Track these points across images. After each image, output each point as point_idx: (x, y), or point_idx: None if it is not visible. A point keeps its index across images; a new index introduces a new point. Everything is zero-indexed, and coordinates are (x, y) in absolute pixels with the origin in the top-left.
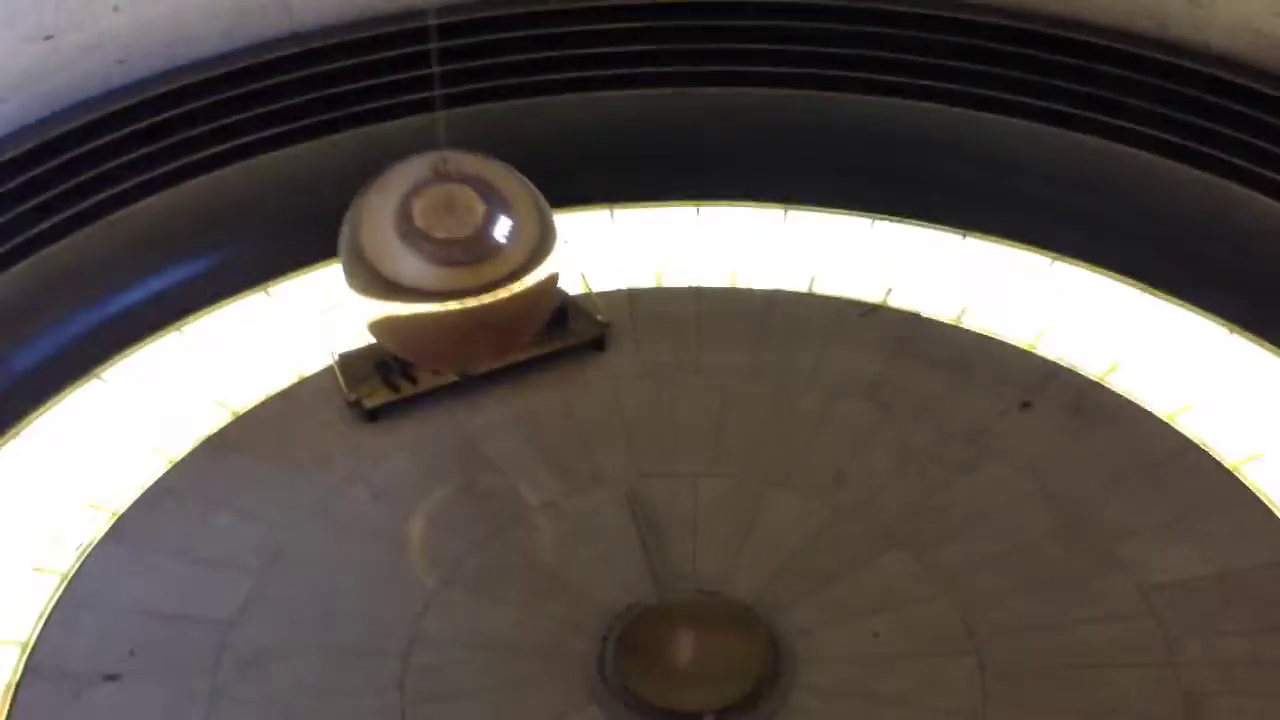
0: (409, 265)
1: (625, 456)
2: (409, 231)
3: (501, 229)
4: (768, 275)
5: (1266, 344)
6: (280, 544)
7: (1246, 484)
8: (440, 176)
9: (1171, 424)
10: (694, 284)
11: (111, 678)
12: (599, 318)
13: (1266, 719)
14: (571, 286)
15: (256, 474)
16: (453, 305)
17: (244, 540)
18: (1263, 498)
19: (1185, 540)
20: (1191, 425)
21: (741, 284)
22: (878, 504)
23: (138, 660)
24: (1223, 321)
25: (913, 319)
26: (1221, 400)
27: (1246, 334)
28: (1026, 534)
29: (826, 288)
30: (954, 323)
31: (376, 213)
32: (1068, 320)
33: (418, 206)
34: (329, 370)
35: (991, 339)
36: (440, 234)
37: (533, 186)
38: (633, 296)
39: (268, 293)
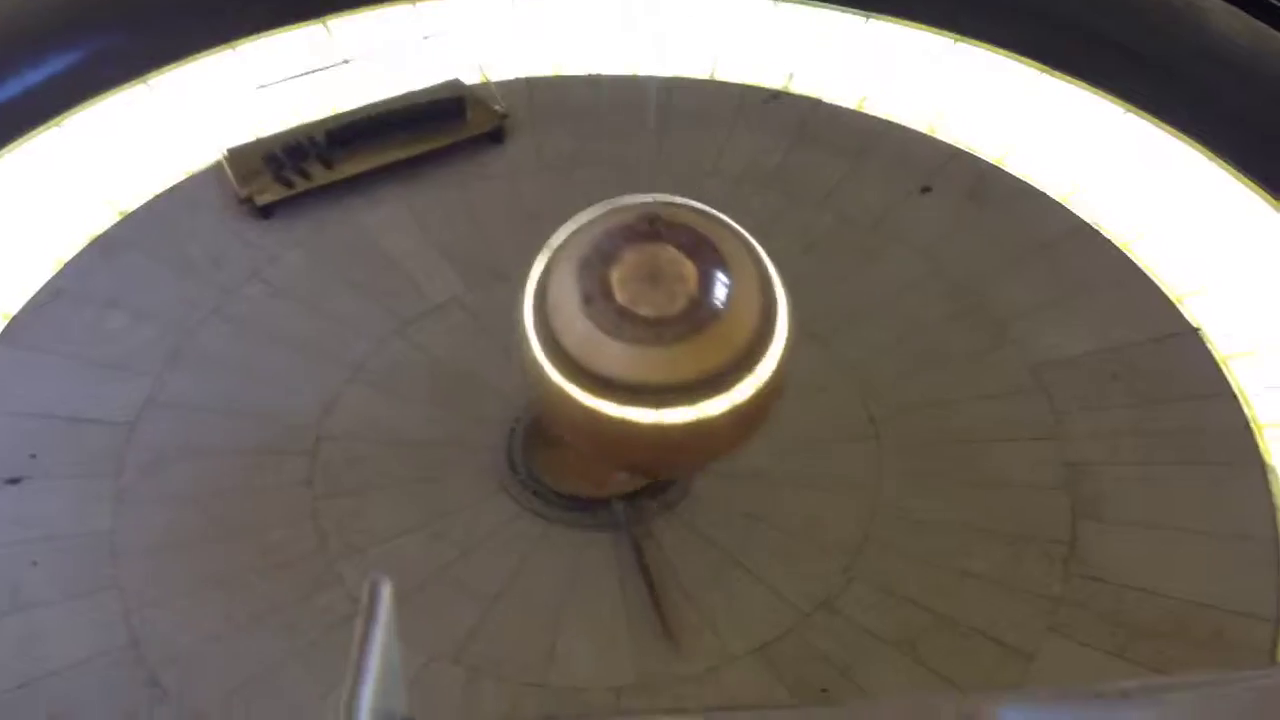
0: (602, 349)
1: (527, 251)
2: (605, 307)
3: (719, 303)
4: (668, 62)
5: (1160, 123)
6: (178, 344)
7: (1136, 262)
8: (649, 234)
9: (1066, 205)
10: (593, 71)
11: (14, 481)
12: (496, 108)
13: (1144, 485)
14: (468, 76)
15: (149, 273)
16: (646, 413)
17: (140, 341)
18: (1151, 274)
19: (1075, 318)
20: (1085, 205)
21: (641, 71)
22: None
23: (40, 463)
24: (1119, 101)
25: (815, 105)
26: (1115, 180)
27: (1142, 113)
28: (925, 317)
29: (728, 74)
30: (856, 108)
31: (566, 277)
32: (967, 103)
33: (618, 274)
34: (218, 166)
35: (892, 124)
36: (645, 310)
37: (753, 242)
38: (530, 85)
39: (147, 84)
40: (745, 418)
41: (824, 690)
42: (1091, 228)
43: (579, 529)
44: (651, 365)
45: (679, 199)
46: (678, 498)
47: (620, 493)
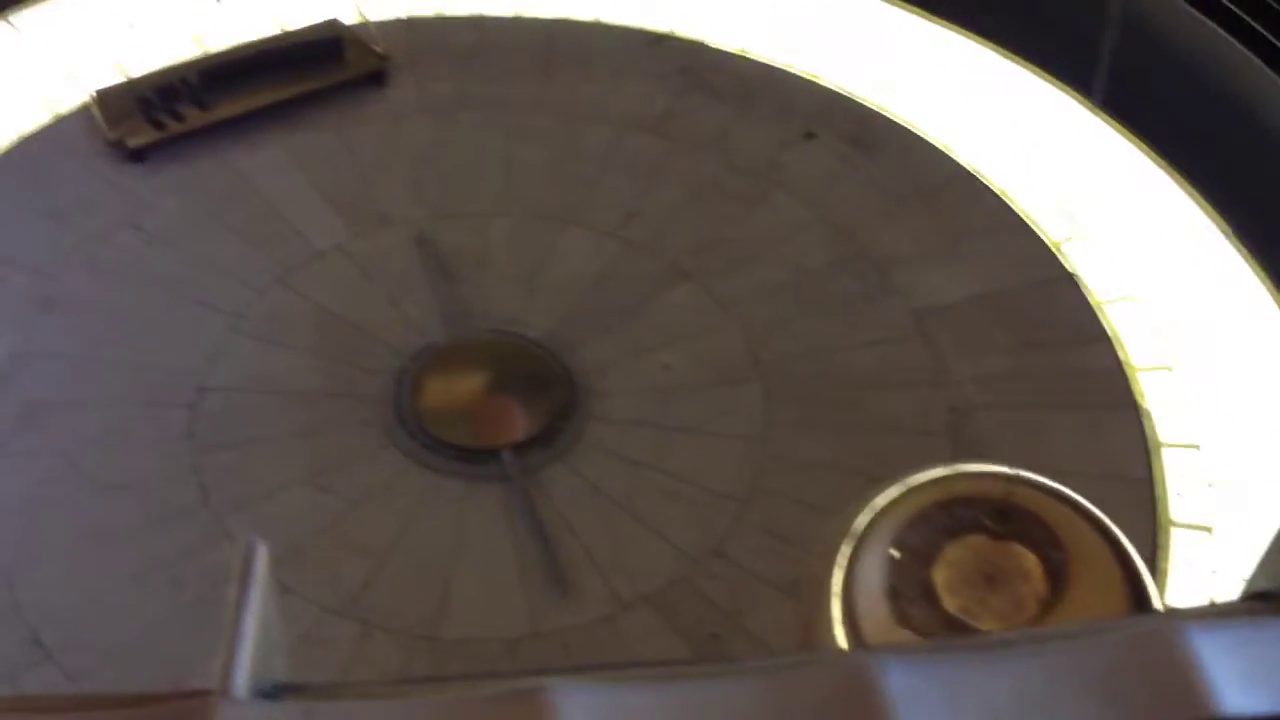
0: None
1: (411, 196)
2: (930, 617)
3: (1073, 599)
4: (552, 2)
5: (1039, 71)
6: (49, 293)
7: (1014, 208)
8: (972, 524)
9: (947, 152)
10: (475, 12)
11: None
12: (376, 49)
13: (1024, 427)
14: (346, 16)
15: (16, 220)
16: None
17: (9, 291)
18: (1028, 220)
19: (956, 264)
20: (965, 152)
21: (525, 12)
22: (666, 238)
23: None
24: (999, 49)
25: (699, 49)
26: (995, 127)
27: (1022, 61)
28: (808, 263)
29: (612, 17)
30: (740, 53)
31: (873, 574)
32: (850, 48)
33: (942, 577)
34: (86, 108)
35: (776, 69)
36: (986, 622)
37: (1113, 527)
38: (411, 25)
39: (9, 22)
40: None
41: (714, 635)
42: (971, 174)
43: (468, 480)
44: None
45: (1022, 472)
46: (567, 447)
47: (509, 442)
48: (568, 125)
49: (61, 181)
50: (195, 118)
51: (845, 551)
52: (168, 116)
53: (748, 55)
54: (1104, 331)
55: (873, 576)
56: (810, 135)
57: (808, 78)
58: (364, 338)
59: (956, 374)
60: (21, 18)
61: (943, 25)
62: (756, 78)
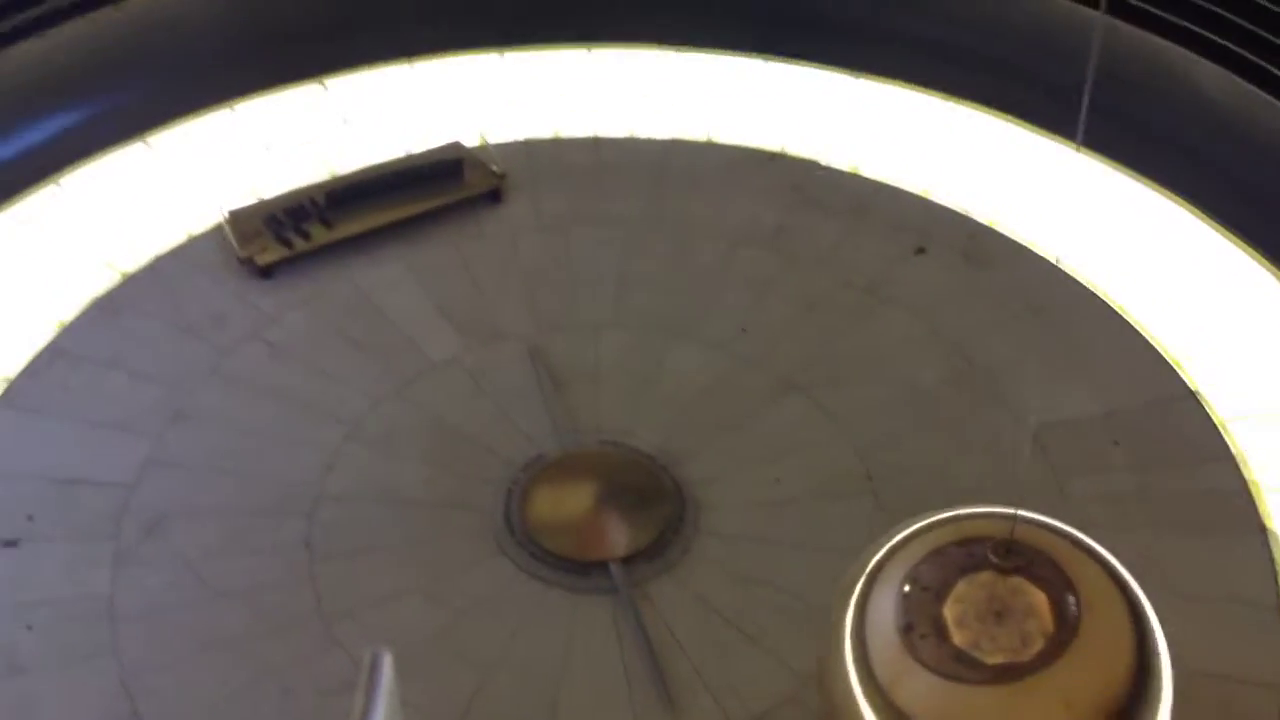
0: (941, 700)
1: (525, 310)
2: (939, 651)
3: (1083, 648)
4: (666, 124)
5: (1152, 183)
6: (178, 405)
7: (1132, 323)
8: (980, 561)
9: (1059, 266)
10: (591, 134)
11: (10, 544)
12: (494, 169)
13: (1145, 548)
14: (467, 138)
15: (150, 334)
16: None
17: (141, 402)
18: (1147, 336)
19: (1073, 380)
20: (1079, 267)
21: (639, 133)
22: (778, 352)
23: (37, 525)
24: (1109, 161)
25: (810, 167)
26: (1109, 243)
27: (1132, 173)
28: (920, 377)
29: (725, 136)
30: (851, 170)
31: (884, 615)
32: (960, 165)
33: (953, 612)
34: (219, 227)
35: (886, 185)
36: (990, 656)
37: (1121, 570)
38: (529, 147)
39: (147, 144)
40: None
41: None
42: (1087, 290)
43: (576, 592)
44: (995, 712)
45: (1029, 514)
46: (675, 560)
47: (617, 555)
48: (680, 241)
49: (193, 297)
50: (321, 236)
51: (859, 588)
52: (295, 235)
53: (858, 173)
54: (1227, 450)
55: (886, 612)
56: (921, 251)
57: (918, 194)
58: (476, 449)
59: (1074, 492)
60: (157, 138)
61: (1055, 140)
62: (867, 194)
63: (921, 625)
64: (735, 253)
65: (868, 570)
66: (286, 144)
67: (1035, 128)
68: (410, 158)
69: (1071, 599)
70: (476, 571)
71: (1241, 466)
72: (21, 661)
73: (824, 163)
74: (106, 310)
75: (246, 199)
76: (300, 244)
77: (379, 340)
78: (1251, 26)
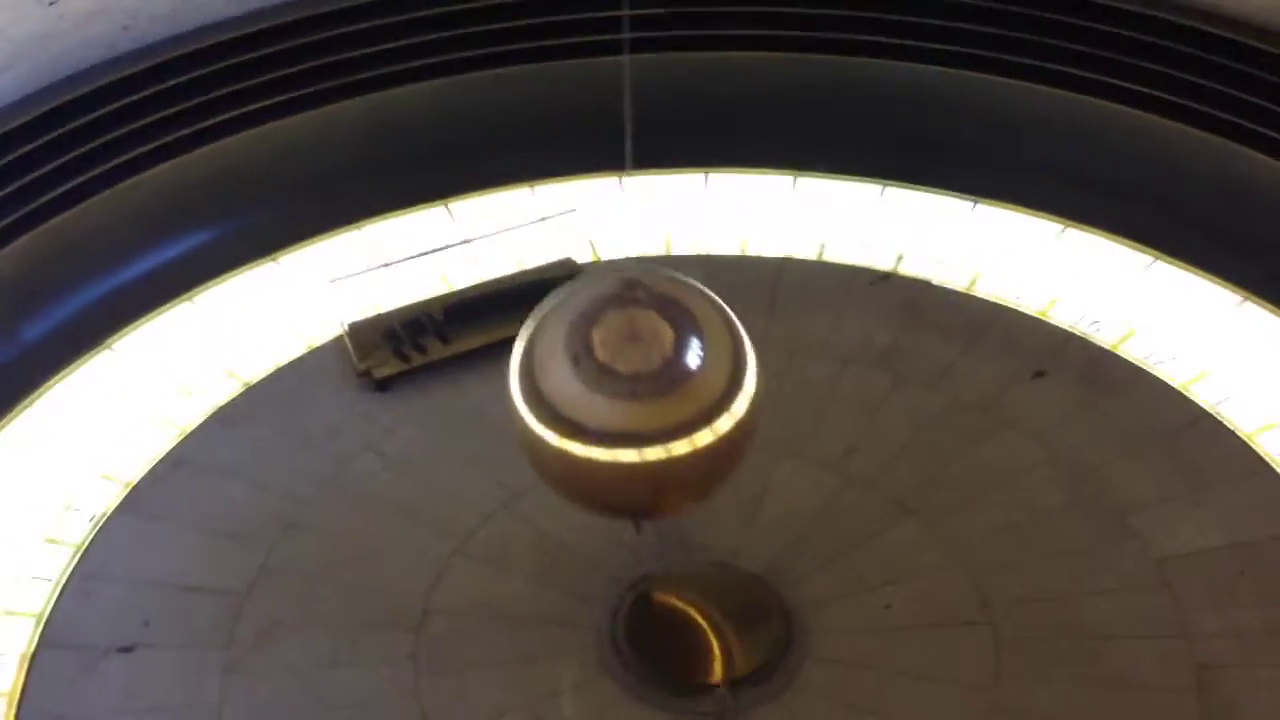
0: (586, 401)
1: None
2: (588, 363)
3: (692, 362)
4: (777, 243)
5: (1278, 310)
6: (293, 515)
7: (1261, 454)
8: (625, 301)
9: (1185, 393)
10: (702, 252)
11: (126, 649)
12: None
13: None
14: (580, 255)
15: (268, 444)
16: (630, 454)
17: (257, 511)
18: (1277, 468)
19: (1199, 511)
20: (1206, 394)
21: (751, 252)
22: (890, 474)
23: (152, 631)
24: (1235, 288)
25: (924, 287)
26: (1235, 369)
27: (1259, 300)
28: (1039, 504)
29: (836, 255)
30: (966, 290)
31: (553, 337)
32: (1080, 287)
33: (598, 335)
34: (339, 340)
35: (1004, 306)
36: (623, 367)
37: (729, 313)
38: (640, 263)
39: (276, 261)
40: (715, 461)
41: None
42: (1213, 417)
43: (681, 715)
44: (630, 416)
45: (659, 269)
46: (783, 686)
47: (723, 679)
48: (790, 360)
49: (312, 409)
50: (437, 350)
51: (530, 325)
52: (412, 349)
53: (974, 293)
54: None
55: (553, 340)
56: (1040, 374)
57: (1037, 315)
58: (584, 565)
59: (1203, 628)
60: (288, 257)
61: (1173, 264)
62: (983, 315)
63: (575, 346)
64: (846, 371)
65: (542, 309)
66: (408, 262)
67: (1155, 252)
68: (524, 273)
69: (689, 328)
70: (582, 691)
71: None
72: None
73: (937, 282)
74: (227, 420)
75: (366, 314)
76: (417, 358)
77: (490, 455)
78: None
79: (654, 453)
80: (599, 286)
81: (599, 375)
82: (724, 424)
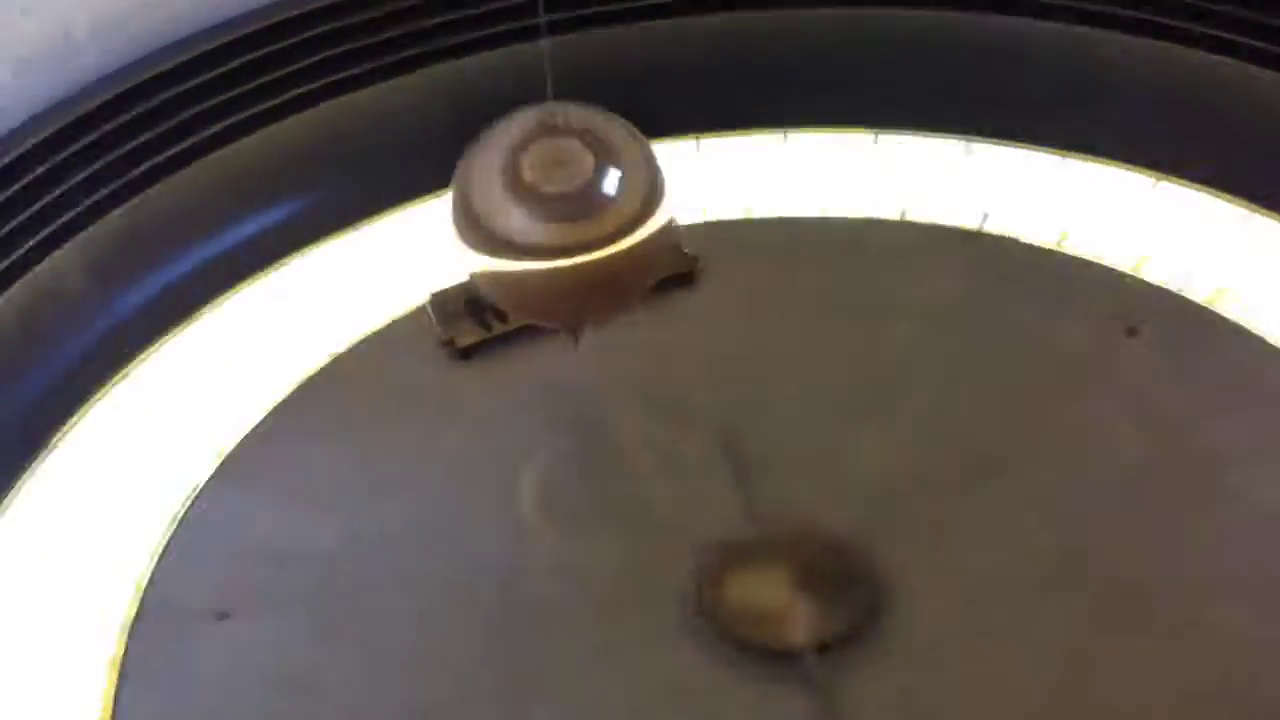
0: (518, 221)
1: (718, 392)
2: (518, 187)
3: (611, 182)
4: (859, 204)
5: None
6: (381, 481)
7: None
8: (549, 130)
9: None
10: (783, 214)
11: (223, 615)
12: (686, 252)
13: None
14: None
15: (356, 413)
16: (562, 262)
17: (346, 478)
18: None
19: None
20: None
21: (832, 214)
22: (978, 435)
23: (249, 597)
24: None
25: (1011, 244)
26: None
27: None
28: (1132, 464)
29: (920, 215)
30: (1055, 248)
31: (486, 167)
32: (1173, 243)
33: (526, 161)
34: (422, 309)
35: (1093, 264)
36: (549, 188)
37: (644, 139)
38: (721, 228)
39: (359, 231)
40: (633, 272)
41: None
42: None
43: (768, 682)
44: (556, 231)
45: (582, 105)
46: (873, 652)
47: (811, 644)
48: (876, 321)
49: (398, 377)
50: (519, 319)
51: (468, 154)
52: (494, 318)
53: (1063, 250)
54: None
55: (486, 167)
56: (1133, 331)
57: (1128, 272)
58: (668, 529)
59: None
60: (370, 226)
61: (1272, 216)
62: (1073, 272)
63: (505, 171)
64: (931, 332)
65: (477, 144)
66: None
67: (1251, 204)
68: None
69: (608, 154)
70: (665, 656)
71: None
72: None
73: (1025, 240)
74: (317, 389)
75: (450, 283)
76: (498, 326)
77: (571, 420)
78: None
79: (579, 263)
80: (525, 119)
81: (528, 197)
82: (639, 238)
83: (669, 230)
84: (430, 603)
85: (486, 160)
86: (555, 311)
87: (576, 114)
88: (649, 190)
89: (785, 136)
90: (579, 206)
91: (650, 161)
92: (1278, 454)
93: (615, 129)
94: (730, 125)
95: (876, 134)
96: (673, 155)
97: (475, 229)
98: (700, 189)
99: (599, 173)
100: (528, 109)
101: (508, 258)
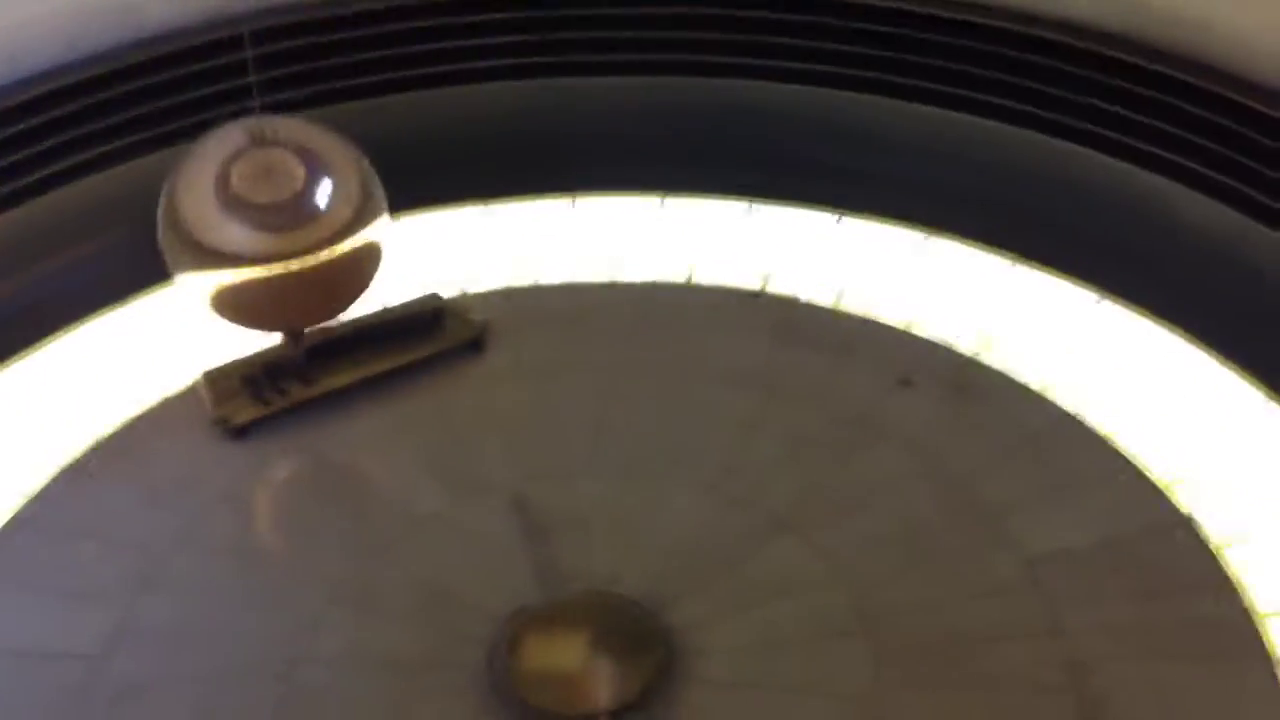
0: (230, 233)
1: (509, 459)
2: (228, 199)
3: (322, 192)
4: (646, 267)
5: (1134, 308)
6: (150, 572)
7: (1122, 452)
8: (258, 142)
9: (1046, 396)
10: (571, 279)
11: None
12: (475, 318)
13: (1153, 681)
14: (445, 289)
15: (122, 500)
16: (275, 269)
17: (111, 570)
18: (1138, 464)
19: (1067, 511)
20: (1066, 397)
21: (620, 278)
22: (767, 492)
23: (4, 703)
24: (1093, 287)
25: (793, 304)
26: (1094, 369)
27: (1116, 299)
28: (913, 513)
29: (706, 277)
30: (833, 306)
31: (195, 180)
32: (942, 297)
33: (236, 172)
34: (194, 387)
35: (870, 320)
36: (260, 199)
37: (355, 149)
38: (509, 295)
39: (130, 307)
40: (346, 277)
41: None
42: (1075, 419)
43: None
44: (266, 241)
45: (291, 118)
46: (664, 712)
47: (606, 708)
48: (663, 383)
49: (168, 460)
50: (299, 393)
51: (178, 165)
52: (273, 393)
53: (841, 308)
54: (1225, 577)
55: (199, 178)
56: (907, 383)
57: (901, 327)
58: (461, 604)
59: (1075, 625)
60: (140, 301)
61: (1033, 267)
62: (851, 329)
63: (219, 186)
64: (719, 392)
65: (186, 158)
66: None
67: (1016, 256)
68: (388, 310)
69: (318, 165)
70: None
71: (1240, 592)
72: None
73: (804, 299)
74: (77, 476)
75: (226, 359)
76: (277, 401)
77: (359, 497)
78: (1230, 153)
79: (292, 271)
80: (234, 131)
81: (239, 208)
82: (349, 245)
83: (378, 237)
84: (207, 697)
85: (195, 171)
86: (271, 316)
87: (286, 126)
88: (360, 198)
89: (574, 202)
90: (290, 217)
91: (361, 170)
92: (1046, 498)
93: (326, 140)
94: (518, 192)
95: (663, 197)
96: (457, 221)
97: (185, 242)
98: (488, 257)
99: (309, 183)
100: (236, 122)
101: (220, 269)
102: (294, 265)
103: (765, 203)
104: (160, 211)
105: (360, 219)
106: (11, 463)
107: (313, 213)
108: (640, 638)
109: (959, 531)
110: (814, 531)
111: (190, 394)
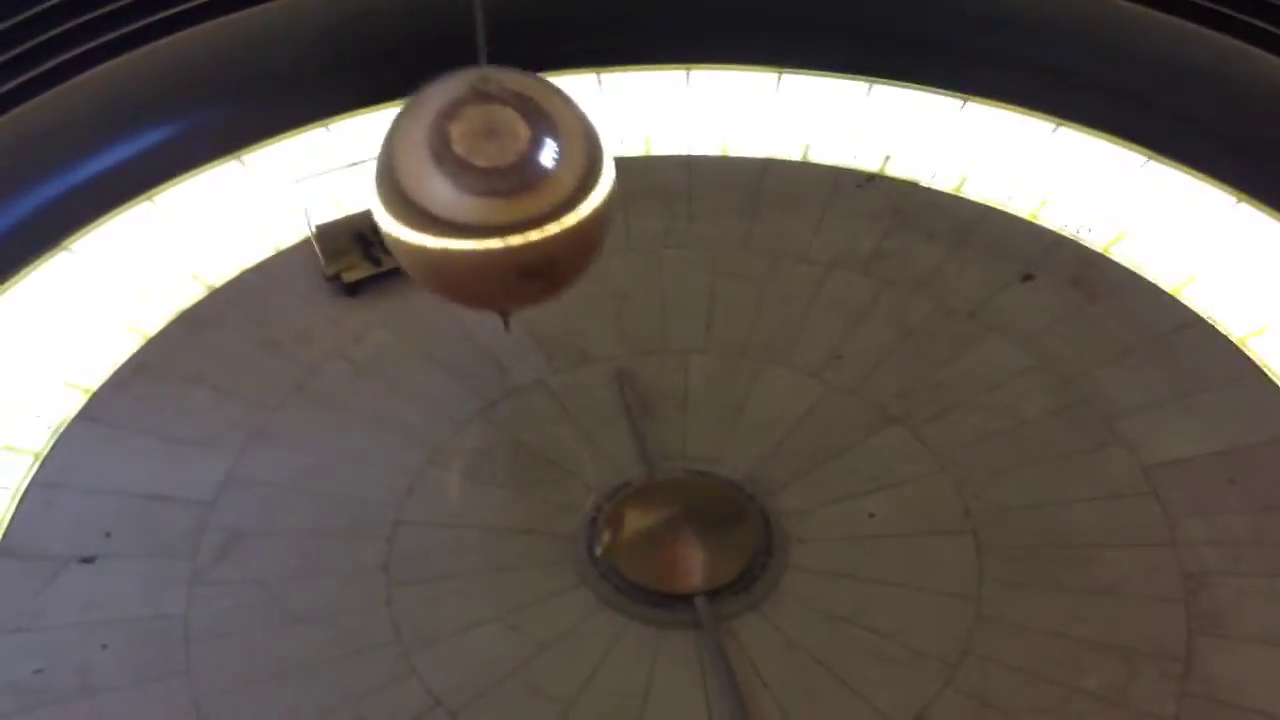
0: (446, 196)
1: (613, 333)
2: (446, 158)
3: (548, 156)
4: (760, 143)
5: (1274, 212)
6: (259, 422)
7: (1252, 358)
8: (481, 97)
9: (1177, 296)
10: (683, 152)
11: (87, 560)
12: None
13: (1269, 599)
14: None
15: (233, 350)
16: (492, 243)
17: (222, 419)
18: (1269, 372)
19: (1188, 417)
20: (1197, 298)
21: (733, 153)
22: (873, 381)
23: (114, 542)
24: (1230, 189)
25: (911, 189)
26: (1228, 272)
27: (1254, 202)
28: (1025, 411)
29: (821, 156)
30: (954, 192)
31: (412, 136)
32: (1072, 189)
33: (456, 130)
34: (306, 242)
35: (993, 209)
36: (480, 161)
37: (581, 109)
38: (620, 166)
39: (241, 161)
40: (570, 253)
41: None
42: (1205, 321)
43: (659, 626)
44: (487, 208)
45: (513, 70)
46: (763, 596)
47: (702, 588)
48: (773, 264)
49: (279, 313)
50: None
51: (396, 119)
52: (383, 252)
53: (962, 194)
54: None
55: (414, 139)
56: (1028, 278)
57: (1026, 218)
58: (560, 475)
59: (1190, 535)
60: (252, 156)
61: (1168, 164)
62: (971, 218)
63: (434, 143)
64: (829, 276)
65: (404, 108)
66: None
67: (1149, 151)
68: None
69: (544, 124)
70: (557, 602)
71: None
72: (95, 680)
73: (925, 184)
74: (190, 324)
75: (335, 215)
76: (388, 261)
77: (464, 361)
78: None
79: (511, 244)
80: (454, 84)
81: (457, 170)
82: (576, 217)
83: (608, 210)
84: (311, 552)
85: (413, 127)
86: (486, 294)
87: (511, 79)
88: (587, 165)
89: (689, 74)
90: (511, 182)
91: (588, 133)
92: (1168, 402)
93: (552, 96)
94: (633, 61)
95: (780, 73)
96: (571, 88)
97: (400, 201)
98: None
99: (534, 144)
100: (458, 74)
101: (431, 235)
102: (512, 241)
103: (887, 83)
104: (377, 164)
105: (585, 188)
106: (127, 309)
107: (536, 179)
108: (740, 522)
109: (1072, 433)
110: (922, 425)
111: (302, 249)
